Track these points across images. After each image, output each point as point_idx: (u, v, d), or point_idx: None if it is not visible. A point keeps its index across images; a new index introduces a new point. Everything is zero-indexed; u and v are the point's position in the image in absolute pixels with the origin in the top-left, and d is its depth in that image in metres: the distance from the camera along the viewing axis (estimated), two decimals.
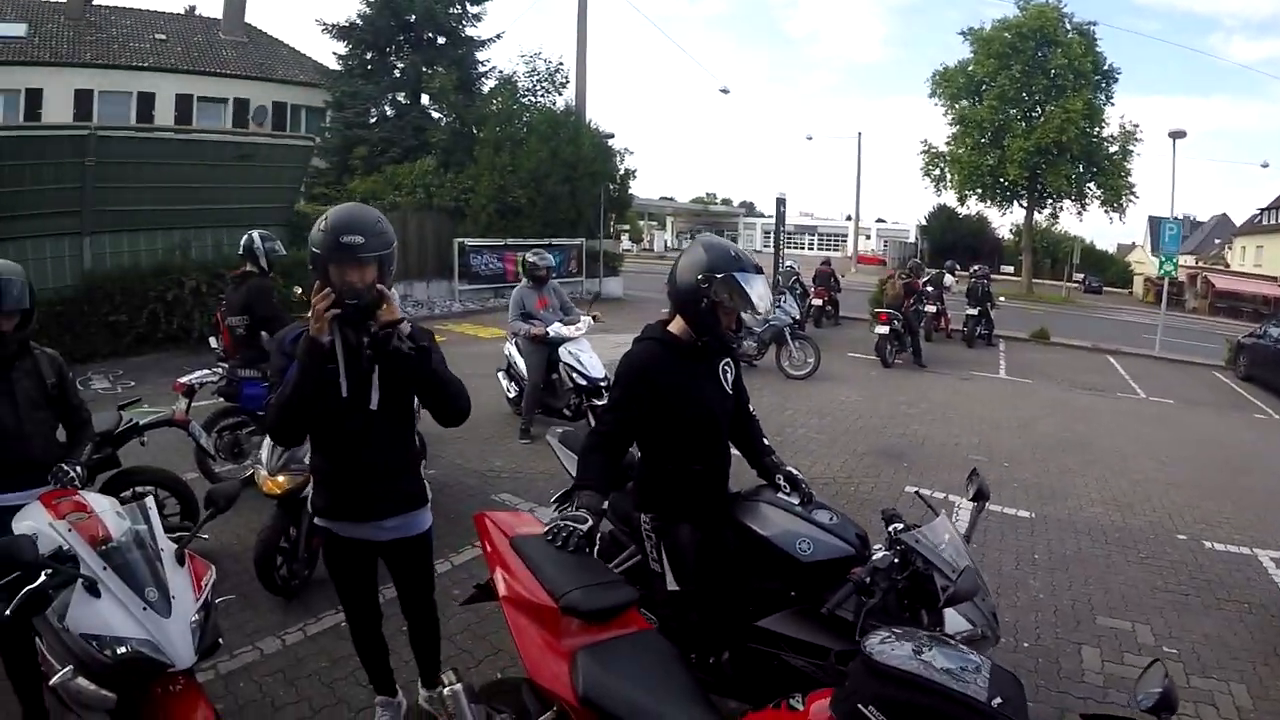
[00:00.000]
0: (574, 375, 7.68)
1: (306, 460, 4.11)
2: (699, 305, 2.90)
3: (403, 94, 24.76)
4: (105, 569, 2.47)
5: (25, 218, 12.04)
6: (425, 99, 24.43)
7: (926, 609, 2.81)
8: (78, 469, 3.31)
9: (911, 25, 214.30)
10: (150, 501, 2.81)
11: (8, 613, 2.38)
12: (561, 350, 7.79)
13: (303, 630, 4.15)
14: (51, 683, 2.43)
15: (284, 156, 13.85)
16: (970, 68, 36.45)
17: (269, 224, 13.20)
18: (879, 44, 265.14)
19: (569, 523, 2.62)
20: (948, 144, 38.00)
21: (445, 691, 2.35)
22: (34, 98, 23.14)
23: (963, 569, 2.68)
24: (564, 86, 23.14)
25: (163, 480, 4.89)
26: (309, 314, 2.53)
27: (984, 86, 35.94)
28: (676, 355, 3.00)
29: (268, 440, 4.53)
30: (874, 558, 2.79)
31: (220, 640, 2.70)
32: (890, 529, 2.96)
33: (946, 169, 38.18)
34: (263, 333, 5.92)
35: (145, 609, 2.41)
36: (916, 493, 4.43)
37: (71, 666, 2.37)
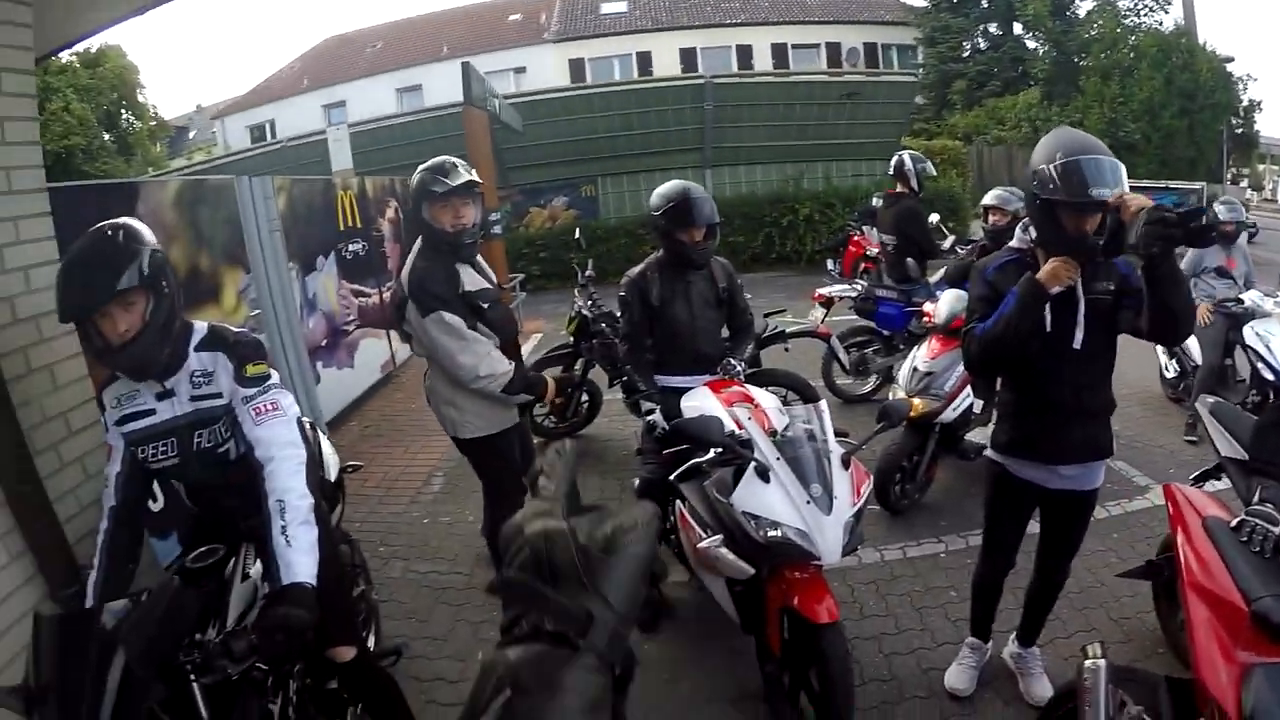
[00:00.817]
0: (1261, 363, 5.75)
1: (946, 389, 4.74)
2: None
3: (994, 24, 24.58)
4: (779, 459, 2.87)
5: (655, 154, 15.27)
6: (1018, 27, 23.88)
7: None
8: (741, 364, 3.88)
9: None
10: (823, 405, 3.16)
11: (670, 478, 3.27)
12: (1247, 329, 5.92)
13: (902, 550, 4.45)
14: (698, 545, 3.00)
15: (889, 93, 15.02)
16: None
17: (875, 158, 14.77)
18: None
19: (1261, 521, 2.42)
20: None
21: (1086, 664, 2.21)
22: (644, 59, 27.57)
23: None
24: (1168, 3, 21.28)
25: (794, 384, 5.51)
26: (1049, 268, 2.53)
27: None
28: None
29: (908, 361, 5.02)
30: None
31: (859, 544, 3.00)
32: None
33: None
34: (908, 259, 6.41)
35: (809, 502, 2.75)
36: None
37: (721, 536, 2.90)
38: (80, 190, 4.53)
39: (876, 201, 11.61)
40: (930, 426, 4.71)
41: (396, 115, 15.71)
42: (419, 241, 3.49)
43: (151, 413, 2.35)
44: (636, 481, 3.89)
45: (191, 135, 34.95)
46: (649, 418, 3.76)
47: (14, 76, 2.62)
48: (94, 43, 22.84)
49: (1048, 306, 2.57)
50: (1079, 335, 2.64)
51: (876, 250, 11.04)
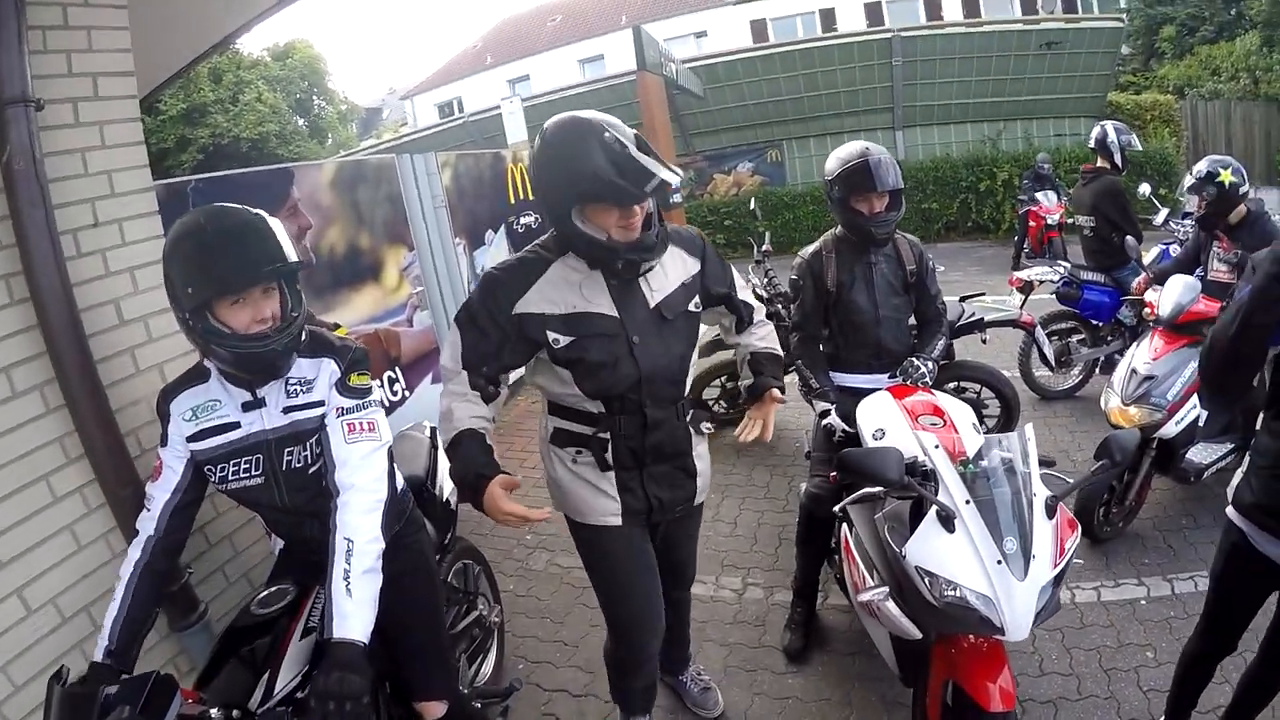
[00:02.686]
0: None
1: (1169, 398, 3.85)
2: None
3: None
4: (969, 503, 2.25)
5: (843, 115, 14.66)
6: None
7: None
8: (929, 364, 3.31)
9: None
10: (1029, 431, 2.39)
11: (836, 509, 2.73)
12: None
13: (1097, 591, 3.71)
14: (860, 598, 2.53)
15: (1092, 41, 13.55)
16: None
17: (1079, 115, 13.61)
18: None
19: None
20: None
21: None
22: (827, 16, 26.48)
23: None
24: None
25: (990, 380, 4.90)
26: None
27: None
28: None
29: (1125, 361, 4.20)
30: None
31: (1054, 613, 2.31)
32: None
33: None
34: (1128, 237, 5.55)
35: (1000, 562, 2.13)
36: None
37: (888, 589, 2.39)
38: (232, 179, 4.55)
39: (1045, 166, 10.98)
40: (1147, 441, 3.89)
41: (571, 86, 15.69)
42: None
43: (235, 426, 2.07)
44: (803, 488, 3.42)
45: (385, 116, 36.81)
46: (824, 421, 3.29)
47: (111, 80, 2.53)
48: (282, 37, 24.28)
49: None
50: None
51: (1058, 217, 10.31)
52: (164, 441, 2.08)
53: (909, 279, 3.41)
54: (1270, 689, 2.45)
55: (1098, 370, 6.12)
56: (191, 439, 2.06)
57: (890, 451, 2.35)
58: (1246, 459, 2.28)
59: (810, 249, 3.47)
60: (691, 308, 2.37)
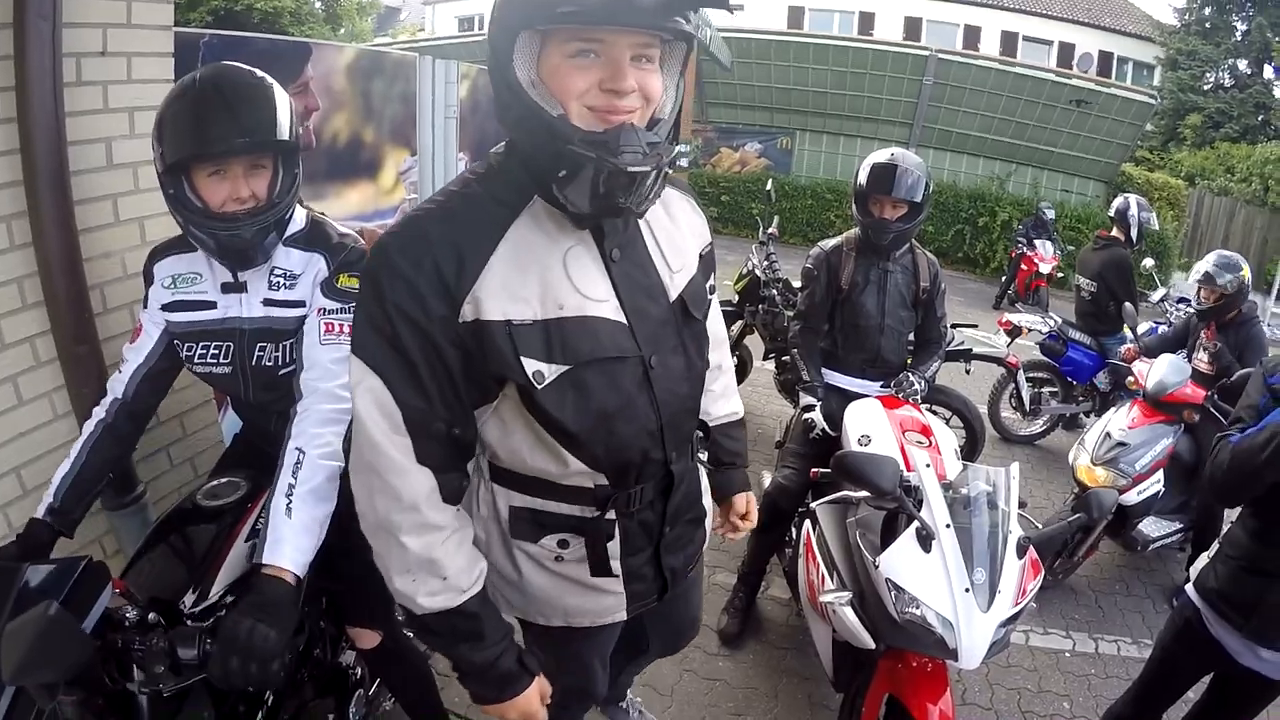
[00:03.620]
0: None
1: (1137, 467, 3.95)
2: None
3: (1245, 61, 22.28)
4: (949, 527, 2.24)
5: (862, 120, 14.59)
6: (1269, 72, 21.69)
7: None
8: (923, 382, 3.33)
9: None
10: (1015, 470, 2.41)
11: (812, 505, 2.65)
12: None
13: (1025, 635, 3.77)
14: (821, 598, 2.50)
15: (1121, 110, 13.50)
16: None
17: (1090, 177, 13.65)
18: None
19: None
20: None
21: None
22: (866, 20, 26.36)
23: None
24: None
25: (963, 411, 4.94)
26: None
27: None
28: None
29: (1102, 423, 4.31)
30: None
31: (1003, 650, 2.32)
32: None
33: None
34: (1125, 304, 5.57)
35: (967, 590, 2.13)
36: None
37: (852, 595, 2.40)
38: (249, 43, 4.28)
39: (1048, 213, 11.19)
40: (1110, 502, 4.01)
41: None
42: None
43: (211, 306, 1.89)
44: (768, 479, 3.42)
45: (403, 17, 35.71)
46: (807, 415, 3.29)
47: None
48: None
49: None
50: None
51: (1049, 268, 10.56)
52: (145, 304, 1.93)
53: (920, 295, 3.41)
54: None
55: (1060, 425, 6.30)
56: (167, 308, 1.91)
57: (889, 461, 2.30)
58: (1215, 546, 2.36)
59: (832, 243, 3.46)
60: (709, 294, 1.61)
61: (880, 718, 2.41)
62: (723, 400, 1.91)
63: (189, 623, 1.58)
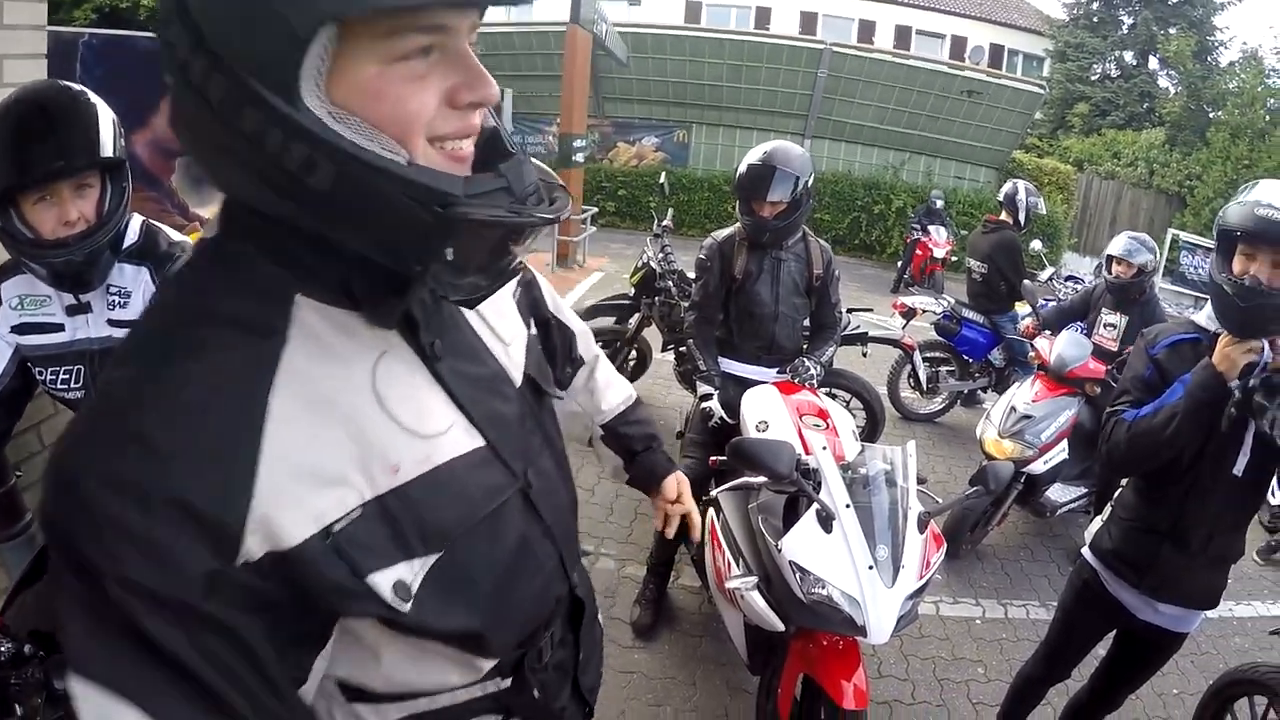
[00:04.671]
0: None
1: (1042, 438, 4.17)
2: None
3: (1130, 53, 23.34)
4: (849, 507, 2.29)
5: (758, 112, 14.83)
6: (1154, 62, 22.79)
7: None
8: (818, 367, 3.37)
9: None
10: (912, 448, 2.48)
11: (713, 492, 2.69)
12: None
13: (935, 606, 3.89)
14: (728, 584, 2.51)
15: (1011, 100, 14.09)
16: None
17: (982, 164, 14.17)
18: None
19: None
20: None
21: None
22: (763, 15, 26.77)
23: None
24: None
25: (862, 393, 5.08)
26: (1221, 349, 1.98)
27: None
28: None
29: (1006, 398, 4.50)
30: None
31: (911, 624, 2.41)
32: None
33: None
34: (1024, 281, 5.90)
35: (871, 568, 2.19)
36: None
37: (759, 579, 2.42)
38: (136, 43, 4.08)
39: (938, 202, 11.59)
40: (1016, 475, 4.15)
41: (496, 23, 15.14)
42: None
43: (59, 329, 1.83)
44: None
45: None
46: (704, 404, 3.30)
47: None
48: None
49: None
50: (1242, 460, 2.07)
51: (945, 252, 10.80)
52: None
53: (813, 282, 3.45)
54: (1093, 717, 2.68)
55: (959, 402, 6.51)
56: (16, 329, 1.82)
57: (784, 446, 2.30)
58: (1108, 509, 2.46)
59: (724, 233, 3.45)
60: (552, 365, 1.35)
61: (796, 697, 2.47)
62: (611, 390, 1.58)
63: None
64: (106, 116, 1.69)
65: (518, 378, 1.04)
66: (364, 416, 0.80)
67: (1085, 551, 2.47)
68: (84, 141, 1.63)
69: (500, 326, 1.04)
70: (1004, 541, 4.59)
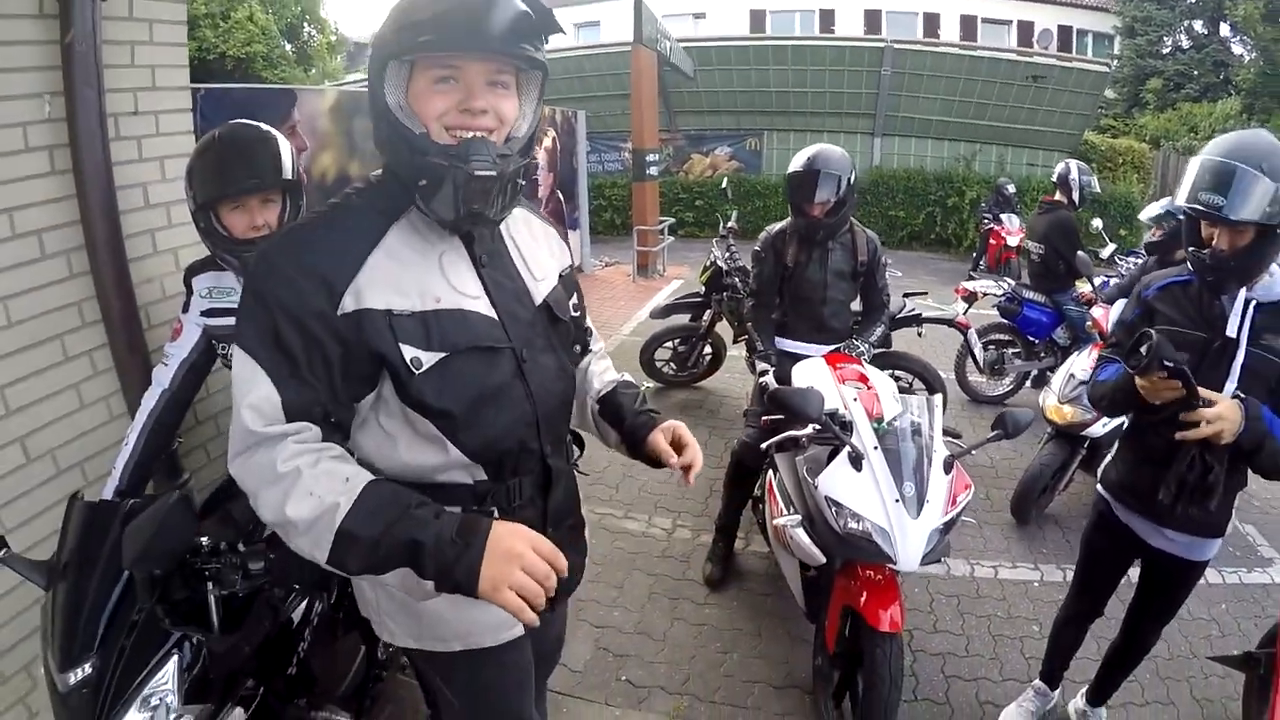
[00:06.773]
0: None
1: None
2: None
3: (1200, 21, 22.51)
4: (876, 448, 2.64)
5: (826, 115, 15.05)
6: (1226, 29, 21.92)
7: None
8: (867, 345, 3.77)
9: None
10: (938, 400, 2.88)
11: (763, 445, 3.06)
12: None
13: (995, 570, 4.13)
14: (775, 522, 2.88)
15: (1077, 82, 13.98)
16: None
17: (1054, 149, 14.05)
18: None
19: None
20: None
21: None
22: (827, 17, 26.60)
23: None
24: None
25: (922, 372, 5.34)
26: (1150, 386, 2.10)
27: None
28: None
29: (1067, 365, 4.73)
30: None
31: (945, 558, 2.70)
32: None
33: None
34: (1079, 253, 5.98)
35: (897, 501, 2.52)
36: None
37: (800, 516, 2.79)
38: (238, 94, 4.75)
39: (1009, 188, 11.63)
40: (1080, 440, 4.45)
41: (564, 49, 15.72)
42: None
43: None
44: (736, 442, 3.81)
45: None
46: (761, 379, 3.70)
47: None
48: None
49: (1193, 353, 2.17)
50: (1230, 385, 2.15)
51: (1019, 239, 10.83)
52: (185, 308, 2.38)
53: (859, 268, 3.84)
54: (1130, 659, 2.83)
55: (1028, 383, 6.60)
56: (206, 314, 2.35)
57: (813, 392, 2.68)
58: (1116, 444, 2.68)
59: (777, 226, 3.88)
60: (574, 311, 1.73)
61: (844, 634, 2.81)
62: (607, 375, 1.90)
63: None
64: (286, 147, 2.26)
65: (538, 300, 1.59)
66: (428, 272, 1.42)
67: (1098, 486, 2.66)
68: (270, 165, 2.19)
69: (536, 269, 1.62)
70: (1066, 509, 4.76)
